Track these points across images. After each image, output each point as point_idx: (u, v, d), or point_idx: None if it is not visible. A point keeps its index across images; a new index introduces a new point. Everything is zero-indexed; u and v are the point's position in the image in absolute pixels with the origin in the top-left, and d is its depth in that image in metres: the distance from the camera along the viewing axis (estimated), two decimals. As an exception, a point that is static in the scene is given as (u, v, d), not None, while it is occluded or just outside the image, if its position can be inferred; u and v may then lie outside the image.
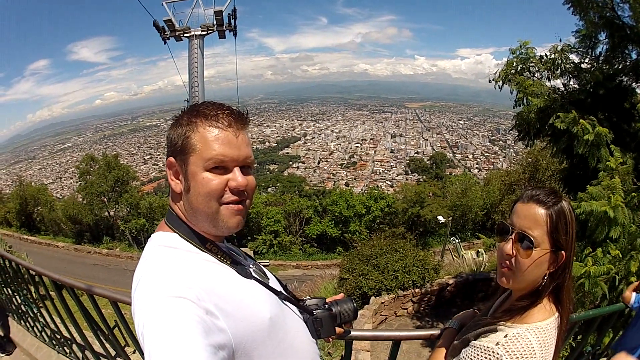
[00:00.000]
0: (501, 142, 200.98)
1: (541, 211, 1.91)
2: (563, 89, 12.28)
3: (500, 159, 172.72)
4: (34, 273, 5.62)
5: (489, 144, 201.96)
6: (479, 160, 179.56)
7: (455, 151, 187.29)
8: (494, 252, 22.62)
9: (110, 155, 57.49)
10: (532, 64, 12.28)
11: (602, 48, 11.47)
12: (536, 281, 1.99)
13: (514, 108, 12.61)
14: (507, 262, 2.00)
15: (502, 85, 12.59)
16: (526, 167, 36.82)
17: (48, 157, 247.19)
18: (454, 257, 30.14)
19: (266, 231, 45.71)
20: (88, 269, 41.21)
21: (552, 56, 11.85)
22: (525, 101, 12.00)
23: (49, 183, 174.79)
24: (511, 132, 13.70)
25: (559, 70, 11.90)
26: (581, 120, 9.78)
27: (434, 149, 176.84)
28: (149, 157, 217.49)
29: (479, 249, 29.15)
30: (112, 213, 53.60)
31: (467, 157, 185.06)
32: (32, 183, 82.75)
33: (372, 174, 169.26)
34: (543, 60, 12.12)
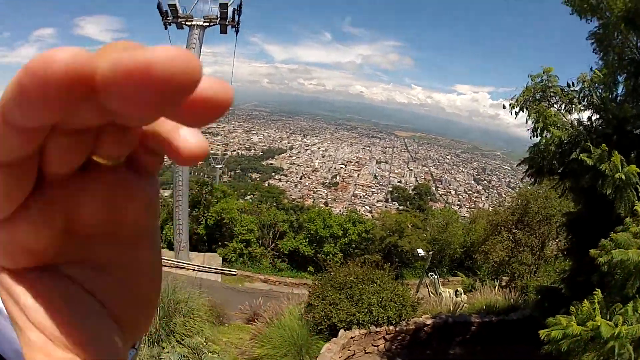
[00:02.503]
0: (485, 182, 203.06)
1: None
2: (587, 123, 11.19)
3: (483, 199, 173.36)
4: None
5: (473, 182, 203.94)
6: (461, 197, 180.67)
7: (438, 185, 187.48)
8: (474, 293, 21.59)
9: None
10: (552, 93, 11.27)
11: (622, 89, 11.05)
12: None
13: (530, 139, 11.39)
14: None
15: (519, 112, 11.48)
16: (515, 208, 35.70)
17: None
18: (431, 294, 29.15)
19: (238, 239, 44.17)
20: None
21: (580, 86, 10.96)
22: (544, 132, 10.85)
23: None
24: (519, 166, 12.30)
25: (586, 101, 10.96)
26: (614, 155, 8.86)
27: (417, 180, 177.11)
28: None
29: (458, 288, 28.09)
30: None
31: (450, 192, 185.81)
32: None
33: (353, 197, 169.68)
34: (564, 91, 11.16)
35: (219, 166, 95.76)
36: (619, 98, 10.85)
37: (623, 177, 8.57)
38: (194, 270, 39.17)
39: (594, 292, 7.18)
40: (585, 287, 9.53)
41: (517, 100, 11.35)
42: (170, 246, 43.03)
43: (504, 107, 11.79)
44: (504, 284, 30.24)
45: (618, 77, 10.88)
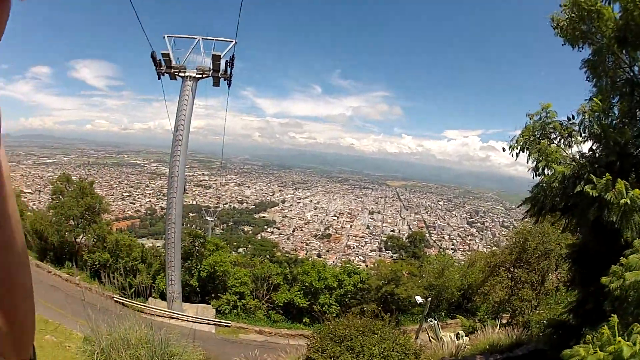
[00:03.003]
0: (479, 224, 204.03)
1: None
2: (589, 154, 11.33)
3: (477, 240, 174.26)
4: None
5: (466, 225, 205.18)
6: (455, 241, 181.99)
7: (432, 231, 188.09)
8: (476, 334, 21.03)
9: (86, 181, 56.33)
10: (552, 129, 11.48)
11: (617, 112, 11.32)
12: None
13: (533, 178, 11.53)
14: None
15: (519, 153, 11.56)
16: (513, 247, 35.38)
17: (32, 166, 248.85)
18: (431, 339, 28.75)
19: (231, 292, 44.06)
20: (46, 289, 39.09)
21: (580, 117, 11.03)
22: (545, 170, 11.01)
23: (28, 192, 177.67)
24: (520, 207, 12.38)
25: (587, 132, 11.00)
26: (618, 182, 8.84)
27: (410, 228, 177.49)
28: (127, 194, 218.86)
29: (459, 331, 27.78)
30: (78, 240, 51.79)
31: (443, 237, 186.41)
32: (13, 187, 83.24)
33: (346, 248, 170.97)
34: (563, 125, 11.45)
35: (211, 219, 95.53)
36: (614, 122, 10.99)
37: (628, 201, 8.47)
38: (187, 321, 38.35)
39: (609, 318, 6.90)
40: (593, 315, 9.41)
41: (517, 141, 11.44)
42: (163, 297, 42.45)
43: (504, 149, 11.76)
44: (504, 322, 30.48)
45: (612, 100, 11.16)
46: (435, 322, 33.34)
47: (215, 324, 39.96)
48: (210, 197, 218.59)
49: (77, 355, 16.98)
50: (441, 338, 25.23)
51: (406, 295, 39.96)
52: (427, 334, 32.21)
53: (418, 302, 33.64)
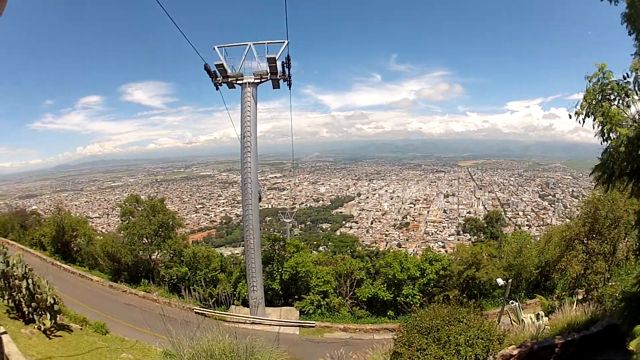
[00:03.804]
0: (550, 196, 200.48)
1: None
2: None
3: (550, 214, 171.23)
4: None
5: (538, 199, 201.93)
6: (529, 216, 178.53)
7: (506, 209, 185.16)
8: (557, 314, 20.43)
9: (157, 199, 56.97)
10: (610, 91, 10.46)
11: None
12: None
13: (601, 144, 10.71)
14: None
15: (585, 118, 10.74)
16: (585, 218, 34.14)
17: (96, 191, 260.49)
18: (513, 322, 27.94)
19: (315, 291, 43.57)
20: (121, 308, 41.05)
21: (634, 75, 10.15)
22: (611, 134, 10.26)
23: (95, 217, 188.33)
24: (591, 175, 11.44)
25: None
26: None
27: (485, 208, 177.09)
28: (200, 206, 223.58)
29: (539, 312, 26.86)
30: (153, 257, 52.62)
31: (518, 214, 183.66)
32: (77, 214, 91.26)
33: (425, 235, 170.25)
34: (620, 85, 10.37)
35: (288, 220, 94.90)
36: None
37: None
38: (270, 325, 38.69)
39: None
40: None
41: (581, 106, 10.69)
42: (245, 303, 42.66)
43: (570, 116, 11.01)
44: (580, 297, 29.46)
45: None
46: (516, 303, 32.16)
47: (299, 326, 39.81)
48: (285, 199, 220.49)
49: (157, 370, 16.76)
50: (522, 320, 24.62)
51: (487, 279, 39.14)
52: (509, 316, 31.29)
53: (499, 285, 32.77)
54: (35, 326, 16.89)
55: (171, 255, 50.94)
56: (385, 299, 42.66)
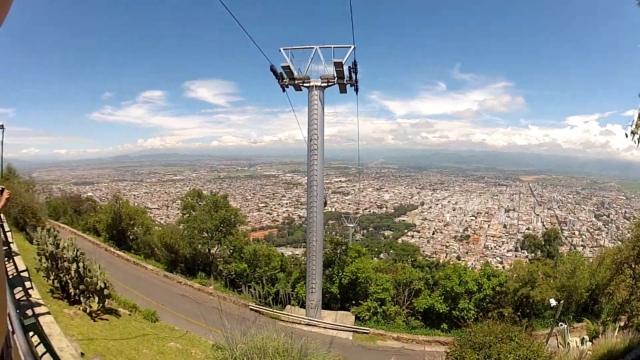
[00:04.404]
0: (604, 216, 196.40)
1: None
2: None
3: (603, 235, 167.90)
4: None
5: (594, 219, 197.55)
6: (584, 237, 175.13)
7: (563, 227, 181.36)
8: (599, 339, 20.66)
9: (219, 195, 57.43)
10: None
11: None
12: None
13: None
14: None
15: None
16: (635, 242, 33.41)
17: (156, 183, 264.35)
18: (559, 345, 27.70)
19: (372, 298, 43.43)
20: (174, 298, 41.63)
21: None
22: None
23: (154, 208, 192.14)
24: None
25: None
26: None
27: (544, 225, 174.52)
28: (263, 205, 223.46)
29: (584, 336, 26.65)
30: (212, 251, 53.21)
31: (574, 233, 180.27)
32: (135, 204, 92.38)
33: (484, 249, 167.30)
34: None
35: (351, 225, 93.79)
36: None
37: None
38: (325, 328, 38.87)
39: None
40: None
41: (636, 125, 10.64)
42: (302, 304, 43.06)
43: (626, 135, 10.90)
44: (622, 324, 28.71)
45: None
46: (565, 326, 31.83)
47: (353, 331, 39.60)
48: (349, 204, 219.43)
49: (203, 362, 16.81)
50: (568, 343, 24.51)
51: (540, 298, 38.82)
52: (557, 338, 30.99)
53: (551, 305, 32.09)
54: (81, 308, 16.94)
55: (231, 250, 51.67)
56: (440, 311, 42.26)
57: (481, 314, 39.66)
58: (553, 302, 31.42)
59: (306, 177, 42.35)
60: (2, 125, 49.15)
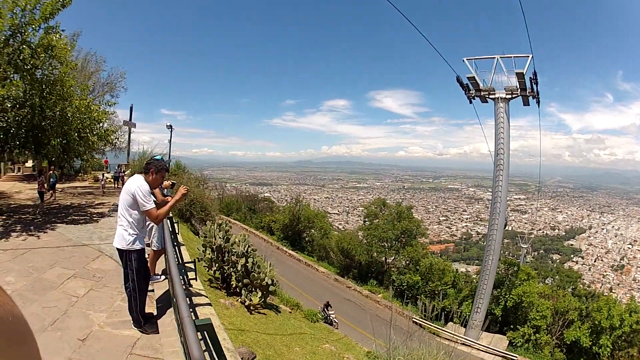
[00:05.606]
0: None
1: None
2: None
3: None
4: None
5: None
6: None
7: None
8: None
9: (404, 205, 57.20)
10: None
11: None
12: None
13: None
14: None
15: None
16: None
17: (339, 189, 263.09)
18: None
19: (530, 324, 40.09)
20: (340, 302, 40.86)
21: None
22: None
23: (334, 213, 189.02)
24: None
25: None
26: None
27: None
28: (444, 218, 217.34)
29: None
30: (389, 260, 52.76)
31: None
32: (315, 208, 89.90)
33: (632, 281, 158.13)
34: None
35: (525, 246, 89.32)
36: None
37: None
38: (478, 350, 38.05)
39: None
40: None
41: None
42: (464, 323, 40.73)
43: None
44: None
45: None
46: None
47: (502, 356, 37.37)
48: (525, 223, 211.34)
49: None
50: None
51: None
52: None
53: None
54: (239, 299, 16.82)
55: (407, 261, 51.00)
56: (584, 345, 37.88)
57: (615, 352, 37.41)
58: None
59: (488, 193, 42.49)
60: (171, 126, 53.44)
